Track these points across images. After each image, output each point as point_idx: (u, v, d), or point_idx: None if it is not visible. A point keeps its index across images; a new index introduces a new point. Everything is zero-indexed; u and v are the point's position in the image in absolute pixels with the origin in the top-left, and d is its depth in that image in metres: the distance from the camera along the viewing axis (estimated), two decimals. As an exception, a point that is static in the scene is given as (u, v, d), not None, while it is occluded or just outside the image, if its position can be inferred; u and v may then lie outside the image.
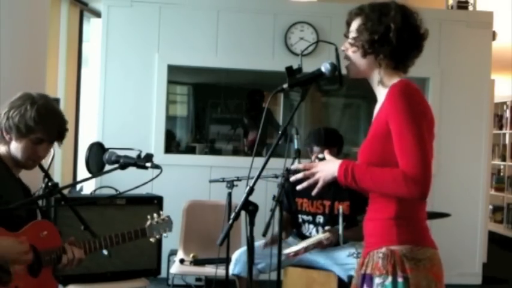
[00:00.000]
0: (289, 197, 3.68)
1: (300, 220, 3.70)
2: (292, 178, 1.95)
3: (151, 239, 2.61)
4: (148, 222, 2.58)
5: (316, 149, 3.56)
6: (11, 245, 2.03)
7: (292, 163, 3.23)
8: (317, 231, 3.63)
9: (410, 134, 1.77)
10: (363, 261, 1.94)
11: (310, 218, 3.65)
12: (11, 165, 2.24)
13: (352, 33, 1.94)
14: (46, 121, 2.22)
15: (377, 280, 1.83)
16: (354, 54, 1.93)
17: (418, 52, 1.93)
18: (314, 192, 1.94)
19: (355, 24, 1.94)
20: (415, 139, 1.77)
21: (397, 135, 1.79)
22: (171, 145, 6.01)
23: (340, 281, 3.48)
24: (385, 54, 1.88)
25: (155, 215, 2.63)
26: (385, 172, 1.81)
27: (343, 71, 2.03)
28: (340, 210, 3.38)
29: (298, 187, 1.94)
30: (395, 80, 1.90)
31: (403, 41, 1.86)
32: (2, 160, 2.23)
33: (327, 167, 1.90)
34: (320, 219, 3.63)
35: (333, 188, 3.56)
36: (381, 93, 1.93)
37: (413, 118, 1.78)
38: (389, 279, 1.81)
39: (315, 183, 1.92)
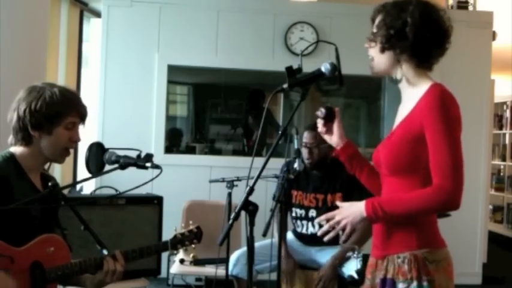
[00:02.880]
0: (284, 188, 3.67)
1: (294, 214, 3.70)
2: (319, 232, 1.94)
3: (175, 252, 2.51)
4: (172, 235, 2.44)
5: (306, 134, 3.57)
6: (4, 282, 1.95)
7: (292, 163, 3.23)
8: (313, 226, 3.63)
9: (445, 144, 1.77)
10: (376, 264, 1.94)
11: (303, 212, 3.65)
12: (29, 168, 2.16)
13: (373, 29, 1.93)
14: (73, 102, 2.17)
15: (401, 285, 1.84)
16: (373, 50, 1.92)
17: (442, 50, 1.91)
18: (342, 239, 1.91)
19: (377, 20, 1.93)
20: (450, 150, 1.76)
21: (432, 145, 1.79)
22: (177, 143, 6.02)
23: (340, 280, 3.48)
24: (402, 50, 1.86)
25: (182, 225, 2.49)
26: (413, 194, 1.81)
27: (343, 71, 2.03)
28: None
29: (326, 238, 1.92)
30: (424, 79, 1.88)
31: (422, 37, 1.85)
32: (18, 163, 2.14)
33: (352, 211, 1.88)
34: (312, 213, 3.63)
35: (326, 181, 3.58)
36: (407, 92, 1.92)
37: (450, 128, 1.77)
38: (415, 283, 1.82)
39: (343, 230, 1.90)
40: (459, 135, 1.81)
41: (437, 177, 1.77)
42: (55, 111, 2.11)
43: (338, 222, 1.89)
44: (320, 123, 2.12)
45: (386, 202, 1.85)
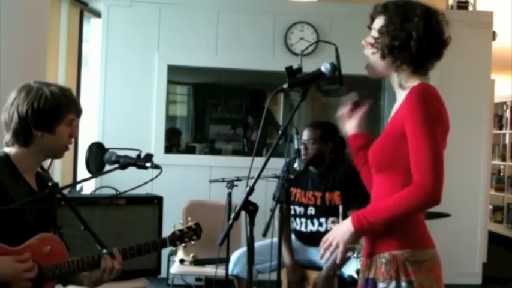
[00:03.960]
0: (285, 189, 3.68)
1: (293, 212, 3.71)
2: (319, 257, 1.95)
3: (174, 248, 2.49)
4: (171, 232, 2.41)
5: (304, 131, 3.60)
6: (9, 265, 1.96)
7: (292, 163, 3.23)
8: (312, 224, 3.64)
9: (424, 141, 1.77)
10: (365, 263, 1.95)
11: (302, 209, 3.66)
12: (24, 168, 2.15)
13: (374, 33, 1.91)
14: (72, 98, 2.18)
15: (381, 285, 1.85)
16: (372, 56, 1.92)
17: (438, 58, 1.92)
18: (338, 260, 1.91)
19: (378, 22, 1.91)
20: (429, 147, 1.77)
21: (412, 141, 1.79)
22: (176, 143, 6.03)
23: (340, 281, 3.48)
24: (404, 60, 1.87)
25: (181, 222, 2.45)
26: (393, 198, 1.81)
27: (343, 71, 2.03)
28: (340, 210, 3.38)
29: (323, 261, 1.94)
30: (415, 81, 1.88)
31: (423, 50, 1.85)
32: (13, 163, 2.13)
33: (340, 229, 1.90)
34: (311, 211, 3.64)
35: (324, 180, 3.59)
36: (400, 94, 1.92)
37: (429, 124, 1.78)
38: (393, 283, 1.83)
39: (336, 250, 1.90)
40: (439, 132, 1.81)
41: (417, 173, 1.78)
42: (57, 109, 2.11)
43: (330, 243, 1.90)
44: (347, 106, 2.11)
45: (369, 212, 1.86)
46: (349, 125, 2.12)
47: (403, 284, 1.82)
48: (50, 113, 2.09)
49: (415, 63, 1.88)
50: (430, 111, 1.79)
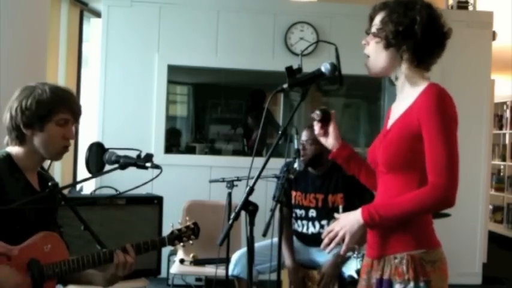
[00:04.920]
0: (285, 188, 3.69)
1: (294, 215, 3.72)
2: (322, 246, 1.93)
3: (173, 248, 2.49)
4: (169, 231, 2.42)
5: (304, 133, 3.60)
6: (8, 275, 1.97)
7: (292, 163, 3.23)
8: (313, 226, 3.64)
9: (441, 143, 1.77)
10: (371, 264, 1.94)
11: (303, 212, 3.66)
12: (25, 167, 2.15)
13: (376, 26, 1.91)
14: (65, 99, 2.15)
15: (398, 286, 1.84)
16: (376, 46, 1.91)
17: (441, 51, 1.92)
18: (343, 250, 1.90)
19: (379, 17, 1.92)
20: (446, 148, 1.77)
21: (429, 143, 1.80)
22: (176, 143, 6.03)
23: (340, 280, 3.48)
24: (408, 47, 1.86)
25: (179, 221, 2.46)
26: (407, 196, 1.82)
27: (343, 71, 2.03)
28: (340, 210, 3.38)
29: (327, 250, 1.92)
30: (422, 79, 1.89)
31: (427, 37, 1.85)
32: (14, 162, 2.14)
33: (348, 220, 1.88)
34: (313, 213, 3.63)
35: (326, 182, 3.59)
36: (404, 91, 1.92)
37: (447, 127, 1.78)
38: (411, 284, 1.82)
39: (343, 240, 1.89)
40: (456, 135, 1.82)
41: (432, 175, 1.78)
42: (45, 108, 2.10)
43: (337, 233, 1.88)
44: (316, 125, 2.14)
45: (381, 206, 1.86)
46: (328, 142, 2.14)
47: (421, 284, 1.82)
48: (37, 111, 2.09)
49: (419, 54, 1.88)
50: (448, 113, 1.80)
